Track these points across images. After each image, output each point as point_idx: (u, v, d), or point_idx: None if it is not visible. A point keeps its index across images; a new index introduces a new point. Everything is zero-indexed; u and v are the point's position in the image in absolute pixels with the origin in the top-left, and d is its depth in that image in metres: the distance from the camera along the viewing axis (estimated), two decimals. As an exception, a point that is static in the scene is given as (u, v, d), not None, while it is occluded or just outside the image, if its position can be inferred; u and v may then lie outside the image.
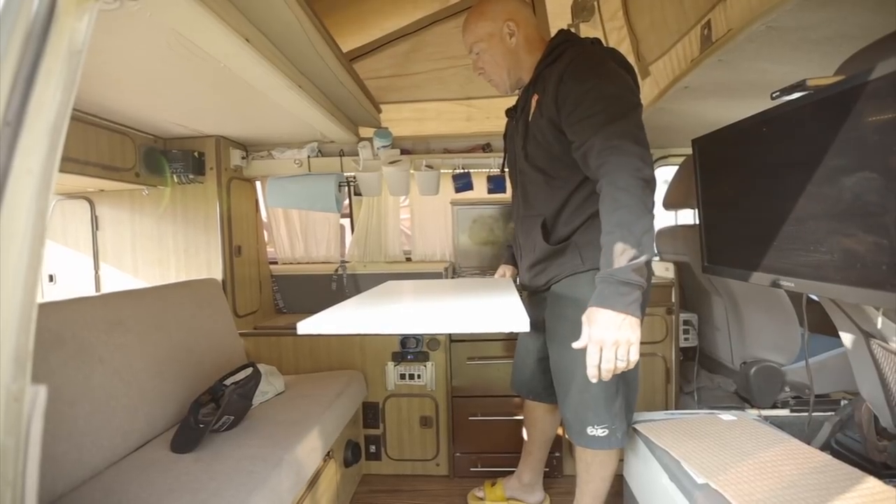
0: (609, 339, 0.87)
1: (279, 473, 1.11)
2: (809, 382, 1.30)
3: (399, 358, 1.92)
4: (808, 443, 1.35)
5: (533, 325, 1.39)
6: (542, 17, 2.19)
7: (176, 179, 1.95)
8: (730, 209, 1.21)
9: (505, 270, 1.61)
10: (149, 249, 2.03)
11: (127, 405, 1.25)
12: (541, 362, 1.43)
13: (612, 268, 0.88)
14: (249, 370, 1.46)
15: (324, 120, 1.73)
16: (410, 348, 1.91)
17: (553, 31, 2.21)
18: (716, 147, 1.29)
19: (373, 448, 1.96)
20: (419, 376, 1.92)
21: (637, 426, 1.25)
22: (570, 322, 1.22)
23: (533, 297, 1.41)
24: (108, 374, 1.23)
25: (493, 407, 1.89)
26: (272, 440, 1.25)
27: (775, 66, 1.39)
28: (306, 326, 0.84)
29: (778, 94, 0.93)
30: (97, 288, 2.06)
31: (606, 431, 1.19)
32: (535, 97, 1.20)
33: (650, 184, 0.93)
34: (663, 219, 2.38)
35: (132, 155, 1.81)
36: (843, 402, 1.68)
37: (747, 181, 1.12)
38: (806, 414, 1.70)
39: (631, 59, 2.01)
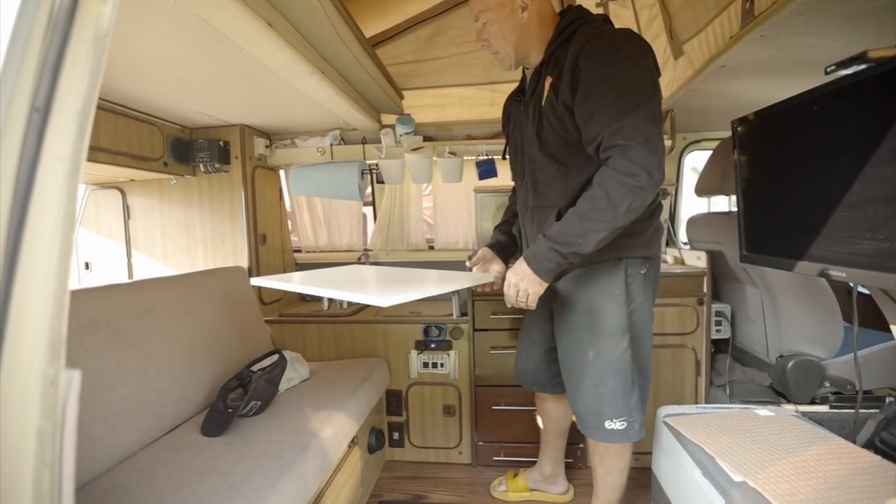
0: (512, 281, 1.09)
1: (305, 459, 1.12)
2: (857, 378, 1.23)
3: (422, 346, 1.92)
4: (853, 441, 1.29)
5: (541, 315, 1.38)
6: (569, -4, 2.10)
7: (203, 169, 1.98)
8: (772, 195, 1.13)
9: (487, 265, 1.38)
10: (177, 238, 2.08)
11: (159, 389, 1.29)
12: (548, 353, 1.42)
13: (550, 237, 1.03)
14: (276, 357, 1.48)
15: (346, 107, 1.71)
16: (433, 337, 1.90)
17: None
18: (758, 128, 1.21)
19: (396, 435, 1.98)
20: (442, 365, 1.92)
21: (668, 420, 1.22)
22: (580, 313, 1.22)
23: None
24: (140, 358, 1.26)
25: (515, 397, 1.87)
26: (298, 426, 1.26)
27: (824, 40, 1.29)
28: (257, 280, 1.24)
29: (833, 67, 0.86)
30: (129, 275, 2.12)
31: (625, 424, 1.18)
32: (549, 80, 1.13)
33: (641, 190, 0.96)
34: (697, 206, 2.29)
35: (160, 145, 1.85)
36: (888, 400, 1.59)
37: (793, 164, 1.05)
38: (847, 410, 1.62)
39: (663, 38, 1.93)
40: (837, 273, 0.89)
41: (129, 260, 2.12)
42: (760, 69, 1.49)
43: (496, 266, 1.39)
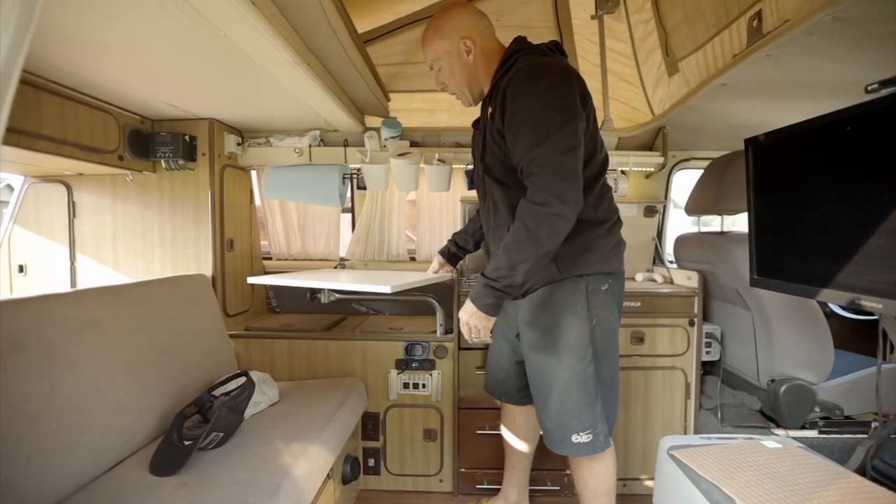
0: (463, 319, 1.18)
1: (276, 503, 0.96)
2: (878, 406, 1.23)
3: (403, 365, 1.78)
4: (854, 468, 1.25)
5: (510, 326, 1.40)
6: (563, 8, 2.06)
7: (164, 165, 1.78)
8: (791, 217, 1.09)
9: (439, 267, 1.66)
10: (132, 241, 1.86)
11: (100, 419, 1.10)
12: (518, 364, 1.42)
13: (485, 275, 1.10)
14: (242, 380, 1.31)
15: (330, 105, 1.58)
16: (416, 356, 1.77)
17: (576, 22, 2.10)
18: (776, 148, 1.17)
19: (371, 462, 1.82)
20: (424, 385, 1.79)
21: (674, 452, 1.14)
22: (543, 330, 1.23)
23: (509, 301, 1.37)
24: (78, 382, 1.07)
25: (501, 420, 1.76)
26: (267, 462, 1.10)
27: (828, 63, 1.29)
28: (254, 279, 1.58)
29: (876, 86, 0.82)
30: (73, 282, 1.88)
31: (590, 437, 1.20)
32: (490, 109, 1.21)
33: (556, 216, 1.01)
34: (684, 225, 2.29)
35: (116, 136, 1.64)
36: (874, 425, 1.60)
37: (820, 186, 1.01)
38: (836, 436, 1.61)
39: (658, 55, 1.91)
40: (871, 304, 0.84)
41: (72, 264, 1.88)
42: (760, 90, 1.48)
43: (446, 269, 1.67)
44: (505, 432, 1.60)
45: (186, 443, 1.13)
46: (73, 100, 1.45)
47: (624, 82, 2.05)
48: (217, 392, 1.28)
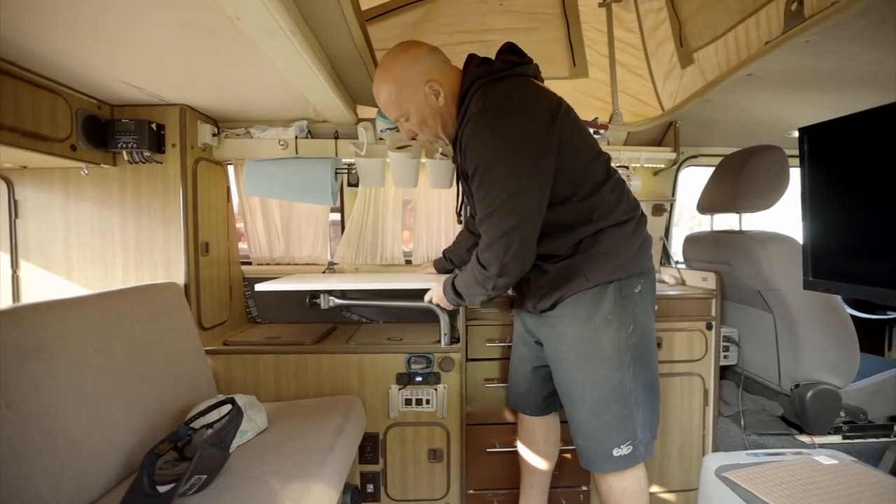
0: (434, 294, 1.34)
1: (279, 567, 0.78)
2: None
3: (405, 380, 1.62)
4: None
5: (529, 331, 1.34)
6: (569, -4, 1.95)
7: (127, 157, 1.55)
8: (864, 214, 0.99)
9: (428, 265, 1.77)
10: (88, 245, 1.61)
11: (48, 466, 0.88)
12: (537, 370, 1.35)
13: (455, 283, 1.21)
14: (227, 407, 1.11)
15: (323, 89, 1.40)
16: (419, 369, 1.61)
17: (583, 10, 1.99)
18: (843, 137, 1.07)
19: (370, 487, 1.64)
20: (428, 401, 1.62)
21: (727, 475, 1.03)
22: (576, 342, 1.15)
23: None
24: (18, 422, 0.85)
25: (512, 436, 1.62)
26: (263, 510, 0.91)
27: (867, 51, 1.22)
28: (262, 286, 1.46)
29: None
30: (15, 294, 1.60)
31: (631, 447, 1.12)
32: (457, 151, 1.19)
33: (498, 276, 1.06)
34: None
35: (67, 121, 1.40)
36: (896, 428, 1.56)
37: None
38: (861, 441, 1.56)
39: (670, 45, 1.82)
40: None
41: (14, 272, 1.61)
42: (786, 81, 1.40)
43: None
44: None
45: (161, 489, 0.93)
46: (12, 75, 1.21)
47: (632, 74, 1.96)
48: (196, 424, 1.08)
